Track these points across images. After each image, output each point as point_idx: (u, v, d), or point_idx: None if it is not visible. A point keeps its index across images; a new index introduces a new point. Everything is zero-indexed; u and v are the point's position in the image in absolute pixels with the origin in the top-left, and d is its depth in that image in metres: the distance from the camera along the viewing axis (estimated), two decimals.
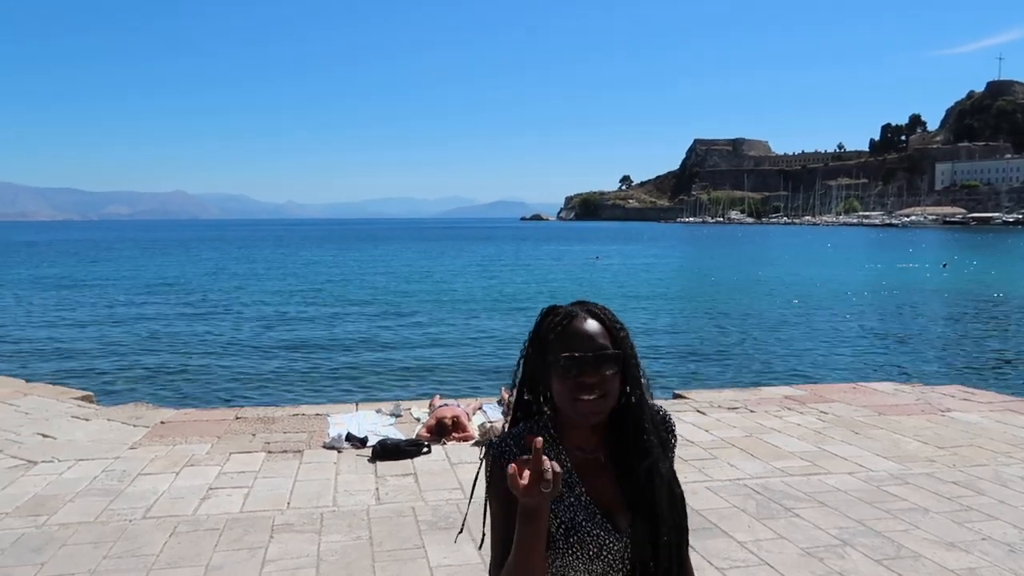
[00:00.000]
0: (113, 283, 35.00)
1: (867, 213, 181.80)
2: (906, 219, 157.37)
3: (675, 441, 1.67)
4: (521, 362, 1.61)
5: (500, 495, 1.52)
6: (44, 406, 8.20)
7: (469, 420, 7.32)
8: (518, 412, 1.63)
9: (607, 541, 1.53)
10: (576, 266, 48.47)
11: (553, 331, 1.53)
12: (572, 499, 1.55)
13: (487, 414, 7.87)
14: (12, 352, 16.35)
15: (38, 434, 7.09)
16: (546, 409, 1.59)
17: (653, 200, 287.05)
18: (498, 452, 1.56)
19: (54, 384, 10.27)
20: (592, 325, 1.53)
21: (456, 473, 6.06)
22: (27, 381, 9.93)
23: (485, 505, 1.61)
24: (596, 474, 1.57)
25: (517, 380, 1.62)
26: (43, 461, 6.28)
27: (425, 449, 6.61)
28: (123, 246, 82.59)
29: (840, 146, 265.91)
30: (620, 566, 1.55)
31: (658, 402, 1.68)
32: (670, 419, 1.67)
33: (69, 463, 6.23)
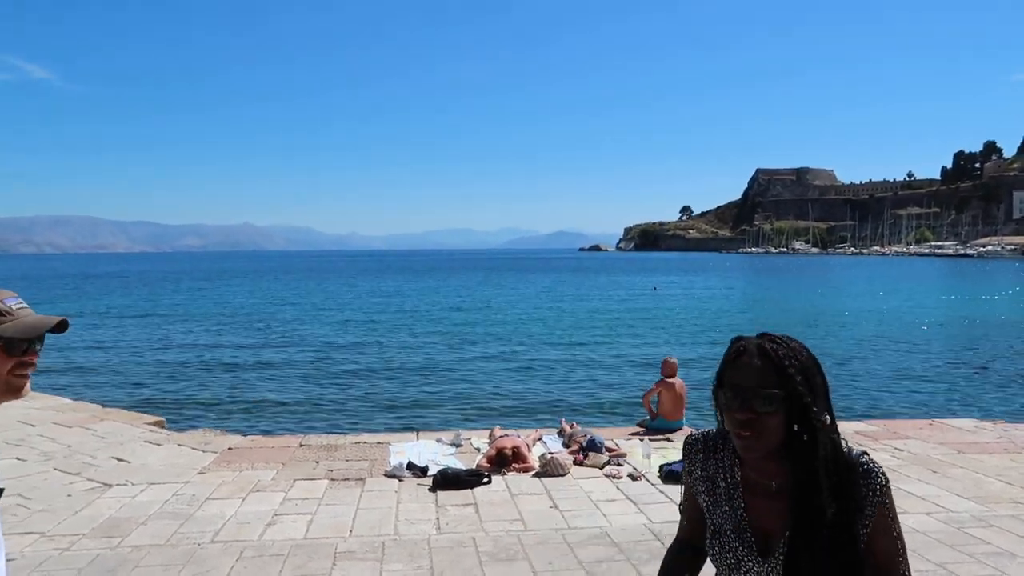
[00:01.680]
0: (183, 313, 36.24)
1: (940, 243, 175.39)
2: (982, 249, 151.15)
3: (873, 494, 1.55)
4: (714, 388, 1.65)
5: (687, 481, 1.75)
6: (119, 431, 8.51)
7: (529, 451, 7.28)
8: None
9: (746, 558, 1.59)
10: (633, 296, 48.00)
11: (724, 363, 1.57)
12: (728, 508, 1.64)
13: (547, 445, 7.81)
14: (90, 379, 17.03)
15: (113, 458, 7.35)
16: None
17: (714, 230, 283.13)
18: (688, 443, 1.75)
19: (128, 410, 10.65)
20: (755, 362, 1.51)
21: (516, 504, 6.02)
22: (103, 407, 10.33)
23: None
24: (763, 498, 1.60)
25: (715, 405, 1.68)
26: (117, 484, 6.49)
27: (485, 479, 6.59)
28: (194, 276, 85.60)
29: (910, 174, 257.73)
30: None
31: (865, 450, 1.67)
32: (874, 472, 1.56)
33: (142, 487, 6.43)
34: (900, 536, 1.58)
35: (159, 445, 7.90)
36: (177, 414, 12.67)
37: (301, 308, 39.24)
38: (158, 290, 58.01)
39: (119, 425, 8.82)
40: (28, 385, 1.68)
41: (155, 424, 9.14)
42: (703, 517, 1.71)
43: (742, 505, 1.61)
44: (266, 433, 10.29)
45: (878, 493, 1.56)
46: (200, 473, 6.86)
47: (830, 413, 1.55)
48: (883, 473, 1.58)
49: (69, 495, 6.18)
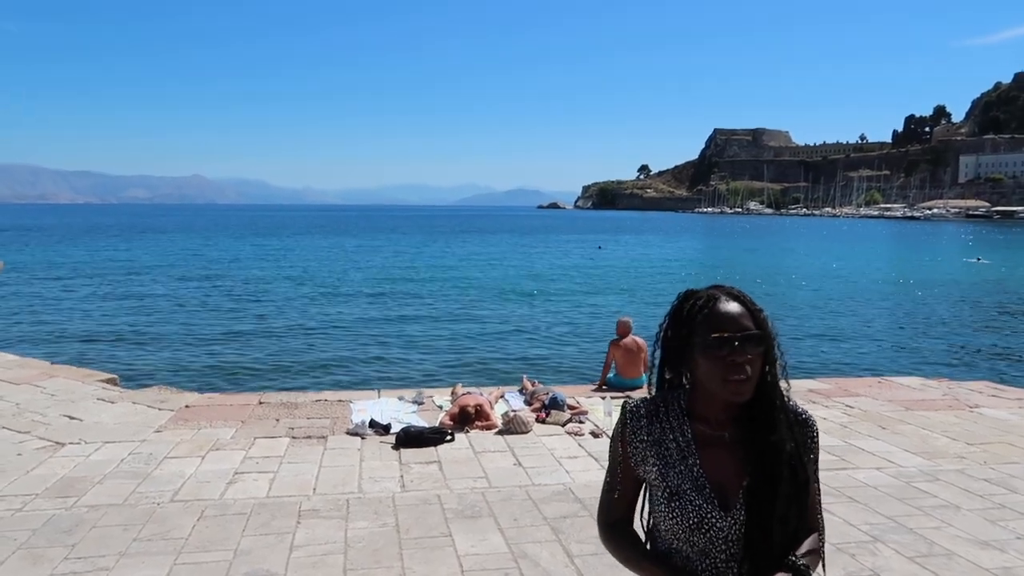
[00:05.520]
0: (134, 268, 35.30)
1: (888, 205, 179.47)
2: (928, 212, 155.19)
3: (813, 442, 1.67)
4: (659, 343, 1.66)
5: (617, 449, 1.67)
6: (70, 388, 8.28)
7: (492, 408, 7.31)
8: (661, 387, 1.71)
9: (709, 514, 1.54)
10: (591, 256, 48.32)
11: (700, 313, 1.57)
12: (684, 468, 1.59)
13: (509, 403, 7.85)
14: (37, 335, 16.52)
15: (64, 416, 7.16)
16: (686, 384, 1.65)
17: (671, 190, 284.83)
18: (629, 410, 1.67)
19: (79, 367, 10.36)
20: (735, 307, 1.56)
21: (480, 462, 6.05)
22: (52, 364, 10.03)
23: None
24: (717, 449, 1.60)
25: (657, 360, 1.68)
26: (70, 443, 6.33)
27: (448, 437, 6.60)
28: (143, 231, 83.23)
29: (862, 137, 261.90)
30: (724, 545, 1.55)
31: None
32: (811, 421, 1.68)
33: (96, 445, 6.29)
34: (818, 479, 1.70)
35: (113, 403, 7.72)
36: (131, 371, 12.39)
37: (258, 264, 38.55)
38: (107, 244, 56.30)
39: (70, 382, 8.58)
40: None
41: (108, 381, 8.91)
42: (638, 491, 1.68)
43: (697, 461, 1.58)
44: (224, 391, 10.13)
45: (815, 439, 1.67)
46: (157, 431, 6.73)
47: None
48: (815, 421, 1.70)
49: (19, 454, 6.01)
